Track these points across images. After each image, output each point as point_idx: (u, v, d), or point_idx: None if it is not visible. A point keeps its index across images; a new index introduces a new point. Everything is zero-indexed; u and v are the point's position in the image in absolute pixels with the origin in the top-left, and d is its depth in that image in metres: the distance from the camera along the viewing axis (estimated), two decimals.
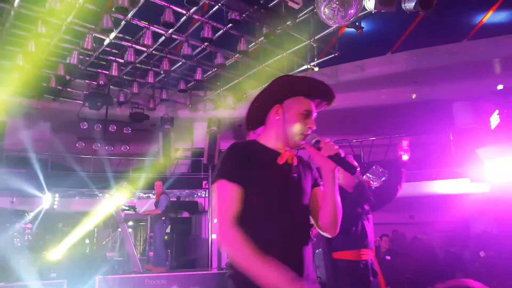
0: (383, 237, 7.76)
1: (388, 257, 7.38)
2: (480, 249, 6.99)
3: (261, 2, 6.68)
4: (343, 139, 10.35)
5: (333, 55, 7.90)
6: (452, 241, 8.14)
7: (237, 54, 7.93)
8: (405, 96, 9.42)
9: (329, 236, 1.73)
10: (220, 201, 1.56)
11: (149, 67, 8.91)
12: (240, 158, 1.60)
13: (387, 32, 8.20)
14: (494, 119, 8.96)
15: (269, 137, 1.72)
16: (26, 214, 8.36)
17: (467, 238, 8.58)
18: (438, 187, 8.83)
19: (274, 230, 1.56)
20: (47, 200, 9.27)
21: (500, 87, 9.15)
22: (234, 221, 1.52)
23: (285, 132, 1.68)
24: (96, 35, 7.41)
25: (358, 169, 1.61)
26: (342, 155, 1.59)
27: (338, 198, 1.66)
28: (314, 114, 1.71)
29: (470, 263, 6.79)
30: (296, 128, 1.67)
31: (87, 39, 7.34)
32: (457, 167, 8.69)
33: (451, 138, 9.56)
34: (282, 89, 1.71)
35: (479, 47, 8.33)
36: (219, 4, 6.58)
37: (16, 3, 6.36)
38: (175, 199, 9.97)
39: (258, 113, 1.76)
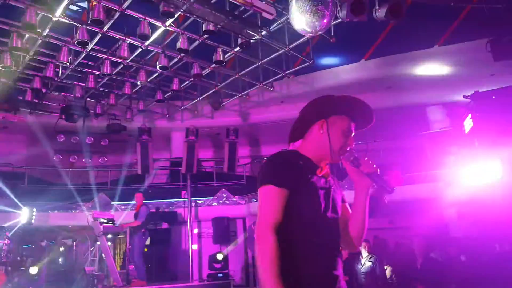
0: (364, 242, 7.85)
1: (369, 263, 7.44)
2: (461, 253, 7.10)
3: (236, 13, 6.78)
4: None
5: (308, 63, 8.06)
6: (432, 246, 8.26)
7: (213, 64, 8.01)
8: (380, 102, 9.61)
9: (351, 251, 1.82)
10: (265, 205, 1.61)
11: (126, 78, 8.90)
12: (289, 165, 1.67)
13: (359, 39, 8.40)
14: (468, 123, 9.22)
15: (308, 150, 1.78)
16: (3, 229, 8.20)
17: (447, 242, 8.72)
18: (416, 191, 8.98)
19: (317, 238, 1.63)
20: (24, 215, 9.11)
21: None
22: (274, 227, 1.56)
23: (327, 146, 1.75)
24: (72, 47, 7.38)
25: (395, 188, 1.69)
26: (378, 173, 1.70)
27: (367, 215, 1.77)
28: (353, 134, 1.81)
29: (451, 267, 6.85)
30: (339, 144, 1.74)
31: (63, 52, 7.30)
32: (433, 170, 8.88)
33: (426, 142, 9.78)
34: (329, 106, 1.80)
35: (449, 53, 8.60)
36: (195, 16, 6.65)
37: None
38: (154, 210, 9.90)
39: (302, 127, 1.83)
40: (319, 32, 5.86)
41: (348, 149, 1.75)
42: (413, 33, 8.13)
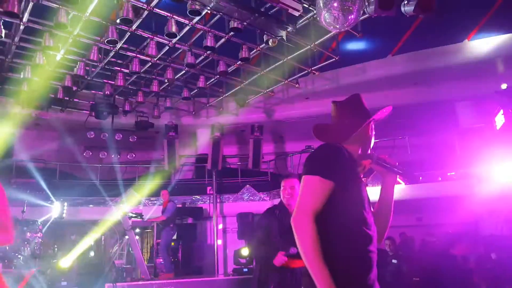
0: (386, 239, 7.74)
1: (394, 261, 7.37)
2: (491, 251, 6.93)
3: (262, 10, 6.80)
4: None
5: (334, 59, 8.00)
6: (458, 243, 8.09)
7: (239, 61, 8.05)
8: (408, 98, 9.46)
9: None
10: (307, 193, 1.63)
11: (153, 76, 9.06)
12: (340, 159, 1.68)
13: (387, 35, 8.27)
14: (499, 119, 8.96)
15: (353, 147, 1.83)
16: (36, 223, 8.51)
17: (476, 240, 8.52)
18: (444, 188, 8.81)
19: (363, 234, 1.66)
20: (56, 209, 9.41)
21: (504, 86, 9.14)
22: (314, 214, 1.58)
23: (368, 147, 1.88)
24: (102, 46, 7.57)
25: (421, 178, 1.84)
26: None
27: (392, 209, 1.88)
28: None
29: (480, 265, 6.69)
30: (368, 143, 1.88)
31: (93, 51, 7.52)
32: (463, 168, 8.68)
33: (456, 139, 9.56)
34: (366, 107, 1.90)
35: (479, 47, 8.37)
36: (221, 13, 6.70)
37: (25, 18, 6.54)
38: (180, 205, 10.09)
39: (349, 124, 1.84)
40: (346, 28, 5.80)
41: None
42: (442, 27, 7.94)
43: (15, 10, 6.05)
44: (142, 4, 6.43)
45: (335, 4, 5.41)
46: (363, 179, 1.83)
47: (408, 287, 6.56)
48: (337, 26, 5.66)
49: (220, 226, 10.61)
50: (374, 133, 1.92)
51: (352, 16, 5.56)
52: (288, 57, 8.10)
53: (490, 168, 7.87)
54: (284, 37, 7.16)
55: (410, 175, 1.82)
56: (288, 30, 7.12)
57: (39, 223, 8.52)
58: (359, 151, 1.85)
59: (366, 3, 5.72)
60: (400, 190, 8.48)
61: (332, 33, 7.08)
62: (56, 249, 8.80)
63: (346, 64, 8.87)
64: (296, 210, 1.60)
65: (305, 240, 1.54)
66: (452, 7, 7.27)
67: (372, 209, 1.79)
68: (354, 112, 1.87)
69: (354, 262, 1.61)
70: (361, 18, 6.27)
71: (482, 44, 8.35)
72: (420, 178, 1.83)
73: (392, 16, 5.68)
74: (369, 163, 1.86)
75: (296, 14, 6.67)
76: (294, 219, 1.58)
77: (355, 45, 8.07)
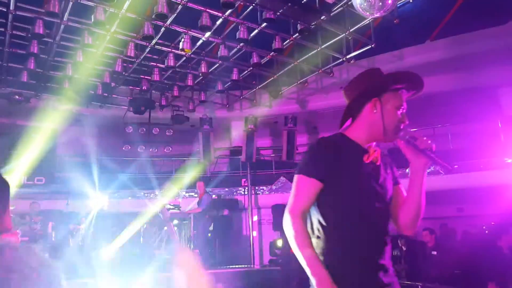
0: (424, 231, 7.50)
1: (434, 252, 7.18)
2: None
3: None
4: None
5: (370, 46, 7.80)
6: (504, 234, 7.77)
7: (272, 52, 8.02)
8: (447, 84, 9.10)
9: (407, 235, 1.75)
10: (294, 193, 1.62)
11: (188, 71, 9.19)
12: (326, 155, 1.62)
13: (425, 19, 7.99)
14: None
15: (359, 131, 1.70)
16: (79, 215, 8.89)
17: None
18: (487, 178, 8.47)
19: (356, 228, 1.59)
20: (98, 201, 9.76)
21: None
22: (301, 212, 1.58)
23: (381, 127, 1.66)
24: (138, 42, 7.74)
25: (456, 166, 1.66)
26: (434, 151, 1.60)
27: (424, 196, 1.67)
28: (405, 109, 1.70)
29: None
30: (394, 123, 1.65)
31: (129, 47, 7.71)
32: (508, 156, 8.31)
33: (500, 126, 9.14)
34: (379, 83, 1.68)
35: None
36: (254, 4, 6.69)
37: (65, 17, 6.79)
38: (216, 197, 10.22)
39: (353, 107, 1.73)
40: (383, 14, 5.65)
41: (402, 127, 1.65)
42: (483, 9, 7.58)
43: (56, 10, 6.31)
44: None
45: None
46: (381, 166, 1.68)
47: (449, 280, 6.36)
48: (373, 12, 5.52)
49: (255, 218, 10.68)
50: (403, 109, 1.67)
51: (390, 1, 5.41)
52: (322, 46, 7.99)
53: None
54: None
55: (445, 163, 1.59)
56: (322, 18, 7.02)
57: (82, 215, 8.91)
58: (374, 134, 1.68)
59: None
60: (440, 179, 8.23)
61: (368, 19, 6.91)
62: (98, 240, 9.15)
63: (382, 51, 8.63)
64: (286, 210, 1.60)
65: (292, 238, 1.55)
66: None
67: (386, 200, 1.67)
68: (359, 90, 1.70)
69: (349, 254, 1.57)
70: (399, 3, 6.10)
71: None
72: (456, 166, 1.65)
73: (430, 0, 5.48)
74: (375, 151, 1.67)
75: (331, 1, 6.55)
76: (284, 220, 1.59)
77: (391, 31, 7.82)
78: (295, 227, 1.55)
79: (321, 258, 1.54)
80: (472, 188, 8.63)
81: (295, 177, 1.64)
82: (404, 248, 7.50)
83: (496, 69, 8.97)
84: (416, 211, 1.67)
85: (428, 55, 8.67)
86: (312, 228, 1.63)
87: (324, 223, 1.59)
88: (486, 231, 8.31)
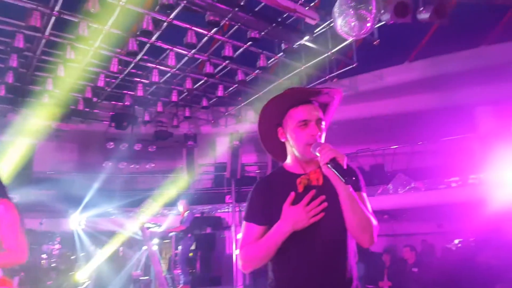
0: (405, 247, 7.61)
1: (415, 269, 7.28)
2: None
3: (279, 20, 6.88)
4: (365, 148, 10.35)
5: (351, 66, 8.02)
6: (482, 250, 7.94)
7: (257, 70, 8.12)
8: (426, 103, 9.40)
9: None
10: (241, 236, 1.71)
11: (172, 87, 9.18)
12: (259, 200, 1.67)
13: (404, 41, 8.27)
14: None
15: (290, 159, 1.72)
16: (54, 235, 8.57)
17: (500, 246, 8.35)
18: (464, 194, 8.69)
19: (297, 266, 1.59)
20: (75, 220, 9.48)
21: None
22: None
23: (295, 151, 1.66)
24: (122, 58, 7.71)
25: (353, 178, 1.47)
26: (343, 161, 1.47)
27: (359, 205, 1.54)
28: (314, 118, 1.63)
29: (505, 273, 6.55)
30: (302, 142, 1.61)
31: (113, 62, 7.66)
32: (482, 173, 8.56)
33: (475, 144, 9.45)
34: (274, 111, 1.70)
35: (497, 51, 8.30)
36: (239, 24, 6.80)
37: (47, 32, 6.71)
38: (199, 215, 10.08)
39: (275, 146, 1.75)
40: (363, 36, 5.85)
41: (312, 141, 1.59)
42: (459, 33, 7.91)
43: (38, 25, 6.24)
44: (161, 16, 6.56)
45: (351, 13, 5.47)
46: (323, 186, 1.61)
47: None
48: (353, 34, 5.71)
49: (239, 236, 10.56)
50: (309, 121, 1.61)
51: (368, 24, 5.61)
52: (306, 65, 8.15)
53: (510, 173, 7.76)
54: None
55: (341, 174, 1.46)
56: (305, 38, 7.18)
57: (57, 235, 8.59)
58: (299, 159, 1.67)
59: (382, 11, 5.76)
60: (420, 196, 8.38)
61: (349, 40, 7.11)
62: (74, 261, 8.81)
63: (364, 71, 8.88)
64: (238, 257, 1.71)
65: (248, 262, 1.66)
66: (467, 13, 7.26)
67: (331, 219, 1.60)
68: (265, 129, 1.74)
69: (287, 281, 1.63)
70: (378, 25, 6.31)
71: (498, 49, 8.29)
72: (354, 178, 1.45)
73: (408, 23, 5.71)
74: (302, 180, 1.62)
75: (313, 23, 6.73)
76: (239, 264, 1.70)
77: (372, 52, 8.07)
78: (242, 253, 1.66)
79: None
80: (450, 204, 8.83)
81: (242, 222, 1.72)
82: (387, 264, 7.58)
83: (472, 89, 9.33)
84: (357, 224, 1.55)
85: (407, 75, 8.95)
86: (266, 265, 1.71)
87: (269, 264, 1.67)
88: (459, 245, 8.48)
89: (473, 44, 8.40)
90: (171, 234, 8.74)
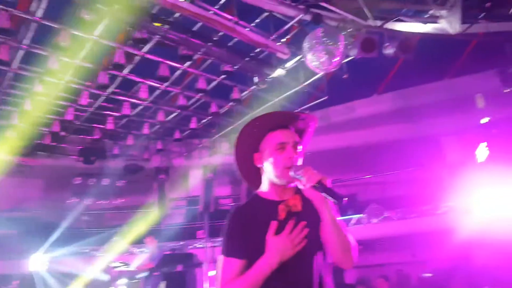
0: (379, 278, 7.54)
1: None
2: (484, 284, 6.90)
3: (252, 54, 7.00)
4: (337, 179, 10.42)
5: (323, 98, 8.19)
6: (452, 278, 8.01)
7: (231, 102, 8.15)
8: (395, 134, 9.67)
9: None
10: (219, 274, 1.62)
11: (144, 119, 9.03)
12: (239, 230, 1.61)
13: (372, 74, 8.59)
14: (482, 152, 9.20)
15: (266, 187, 1.70)
16: (10, 278, 8.00)
17: (469, 273, 8.46)
18: (434, 222, 8.84)
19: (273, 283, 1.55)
20: (36, 261, 8.93)
21: (485, 120, 9.47)
22: None
23: (273, 176, 1.64)
24: (92, 91, 7.55)
25: (345, 199, 1.49)
26: (329, 183, 1.49)
27: (341, 227, 1.56)
28: (292, 141, 1.65)
29: None
30: (280, 166, 1.61)
31: (83, 96, 7.47)
32: (451, 201, 8.77)
33: (443, 173, 9.71)
34: (252, 135, 1.70)
35: (460, 84, 8.73)
36: (212, 58, 6.85)
37: (15, 65, 6.51)
38: (169, 252, 9.70)
39: (250, 172, 1.75)
40: (331, 70, 6.06)
41: (290, 164, 1.59)
42: (423, 66, 8.30)
43: (6, 58, 6.05)
44: (134, 50, 6.52)
45: (320, 48, 5.68)
46: (303, 211, 1.61)
47: None
48: (323, 68, 5.92)
49: (213, 273, 10.21)
50: (286, 143, 1.63)
51: (336, 59, 5.82)
52: (279, 97, 8.25)
53: (477, 201, 7.99)
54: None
55: (335, 198, 1.48)
56: (277, 72, 7.31)
57: (15, 278, 8.03)
58: (277, 185, 1.65)
59: (349, 46, 6.00)
60: (393, 225, 8.46)
61: (319, 74, 7.30)
62: None
63: (335, 103, 9.11)
64: None
65: None
66: (431, 48, 7.64)
67: (314, 245, 1.60)
68: (241, 157, 1.75)
69: None
70: (346, 60, 6.55)
71: (463, 81, 8.71)
72: (346, 199, 1.46)
73: (375, 58, 5.95)
74: (283, 208, 1.60)
75: (285, 57, 6.90)
76: None
77: (343, 85, 8.31)
78: None
79: None
80: (422, 233, 8.94)
81: (219, 257, 1.65)
82: None
83: (438, 120, 9.70)
84: (340, 245, 1.57)
85: (377, 107, 9.24)
86: None
87: None
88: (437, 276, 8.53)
89: (437, 77, 8.83)
90: (139, 274, 8.34)
